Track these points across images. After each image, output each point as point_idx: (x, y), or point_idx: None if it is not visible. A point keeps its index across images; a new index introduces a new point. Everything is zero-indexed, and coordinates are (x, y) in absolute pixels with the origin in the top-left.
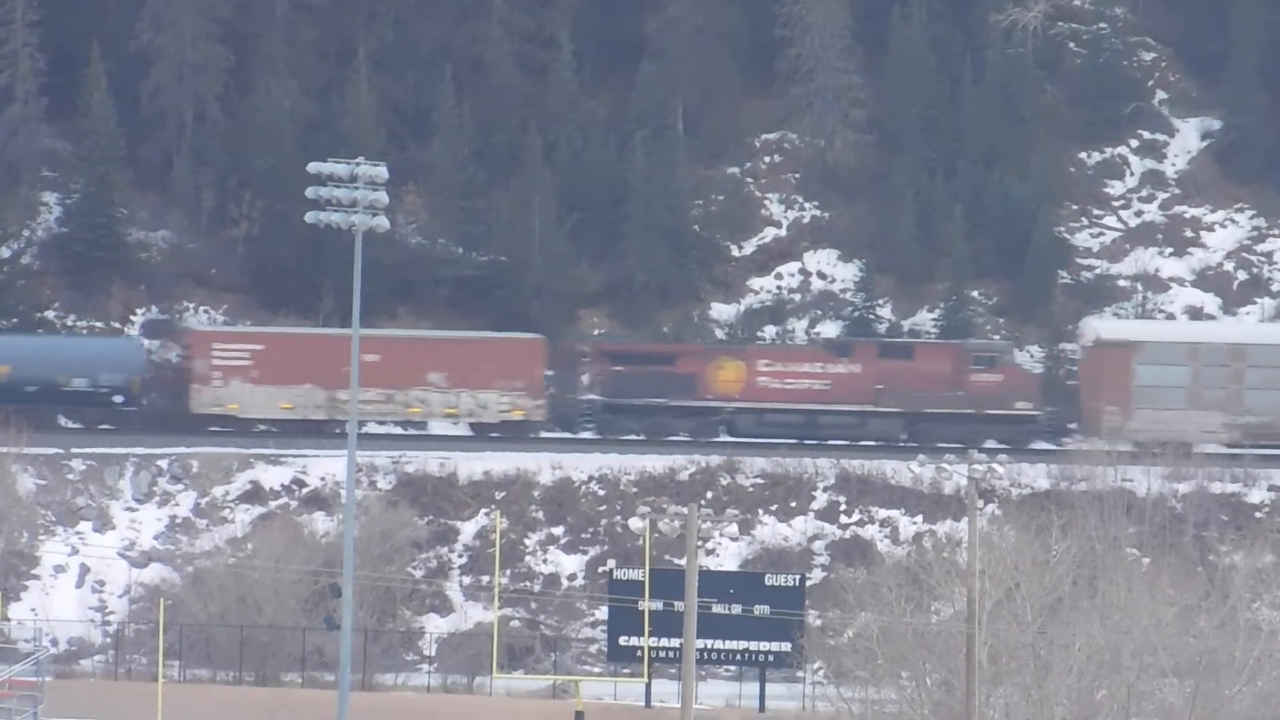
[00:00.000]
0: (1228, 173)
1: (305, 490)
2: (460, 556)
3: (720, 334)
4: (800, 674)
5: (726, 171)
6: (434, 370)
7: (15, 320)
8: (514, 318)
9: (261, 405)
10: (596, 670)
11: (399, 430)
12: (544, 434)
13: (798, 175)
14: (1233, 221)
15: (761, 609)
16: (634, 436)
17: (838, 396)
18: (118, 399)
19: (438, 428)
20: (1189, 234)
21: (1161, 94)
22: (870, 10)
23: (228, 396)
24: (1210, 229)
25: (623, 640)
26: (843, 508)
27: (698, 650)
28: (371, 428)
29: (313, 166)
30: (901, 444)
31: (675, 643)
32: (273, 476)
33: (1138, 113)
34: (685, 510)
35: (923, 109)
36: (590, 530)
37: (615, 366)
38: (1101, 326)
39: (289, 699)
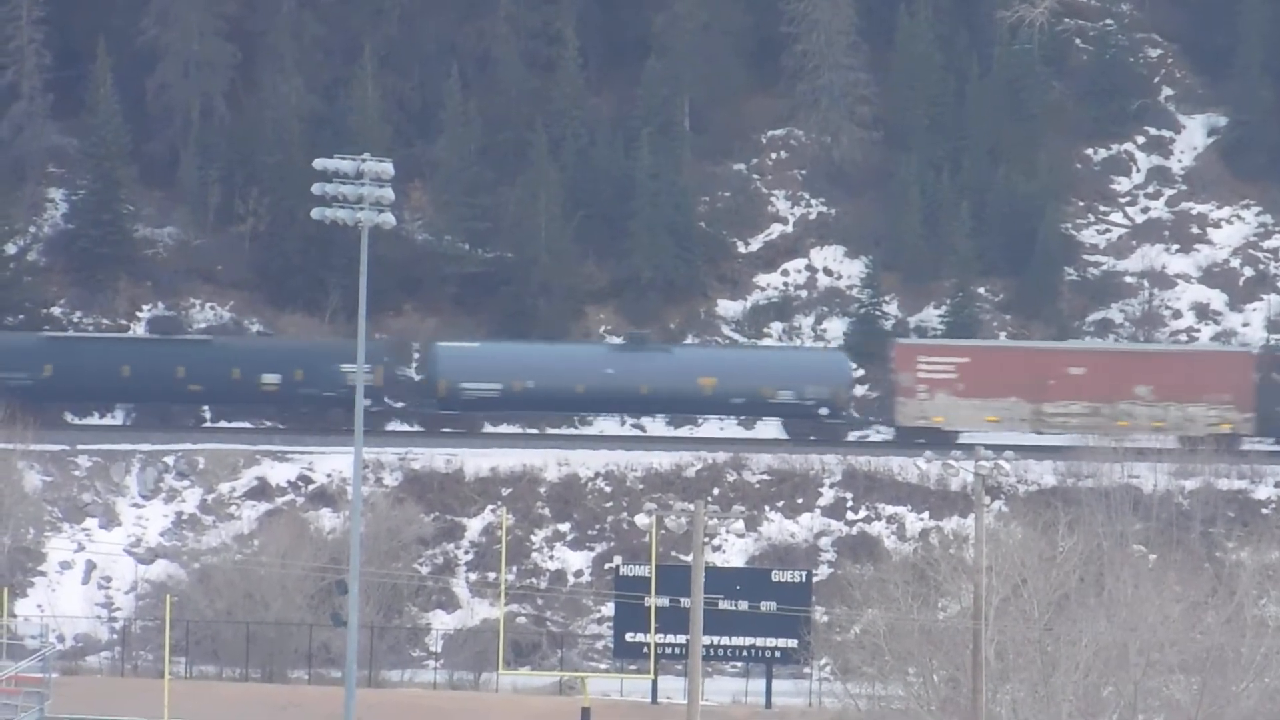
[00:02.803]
0: (1234, 169)
1: (312, 487)
2: (466, 553)
3: (726, 330)
4: (807, 670)
5: (733, 168)
6: (1141, 384)
7: (21, 316)
8: (520, 315)
9: (966, 418)
10: (603, 666)
11: (405, 427)
12: (1252, 447)
13: (804, 172)
14: (1239, 218)
15: (768, 605)
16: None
17: None
18: (823, 411)
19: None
20: (1195, 230)
21: (1168, 90)
22: (876, 7)
23: (933, 409)
24: (1216, 225)
25: (629, 636)
26: (849, 504)
27: (704, 646)
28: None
29: (319, 163)
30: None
31: (681, 639)
32: (279, 473)
33: (1144, 109)
34: (692, 506)
35: (929, 106)
36: (597, 526)
37: None
38: None
39: (295, 695)
